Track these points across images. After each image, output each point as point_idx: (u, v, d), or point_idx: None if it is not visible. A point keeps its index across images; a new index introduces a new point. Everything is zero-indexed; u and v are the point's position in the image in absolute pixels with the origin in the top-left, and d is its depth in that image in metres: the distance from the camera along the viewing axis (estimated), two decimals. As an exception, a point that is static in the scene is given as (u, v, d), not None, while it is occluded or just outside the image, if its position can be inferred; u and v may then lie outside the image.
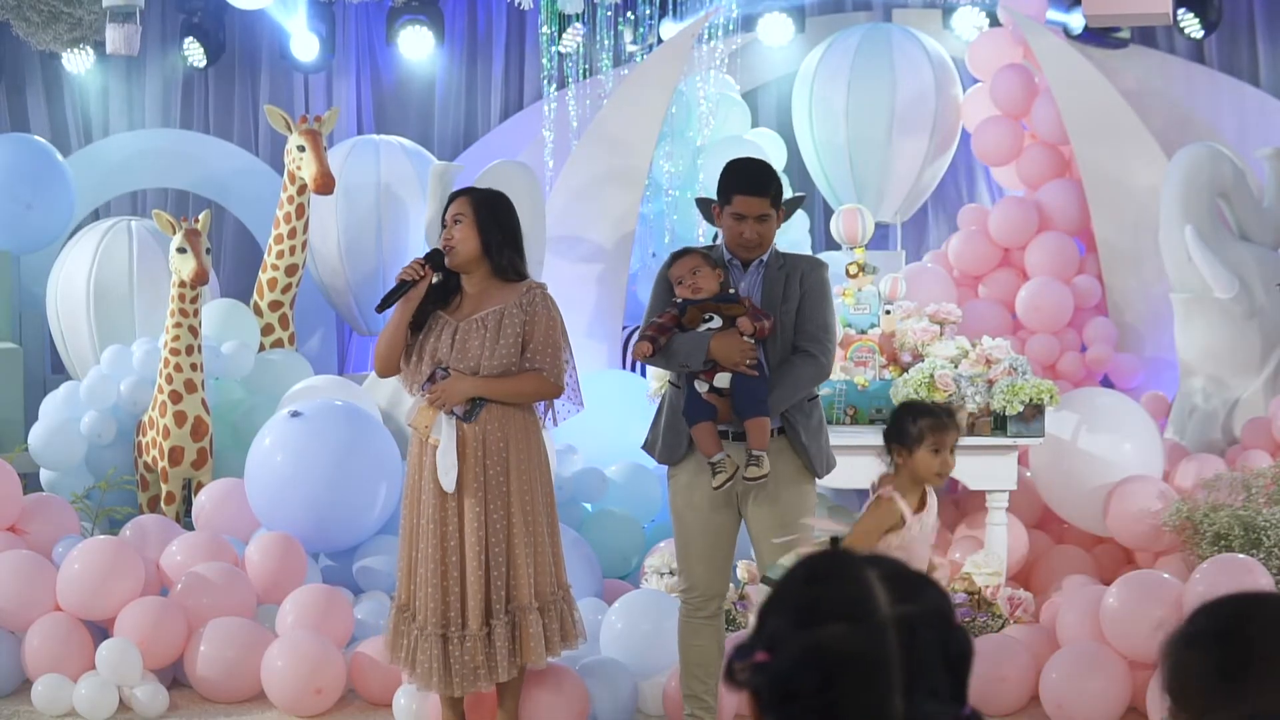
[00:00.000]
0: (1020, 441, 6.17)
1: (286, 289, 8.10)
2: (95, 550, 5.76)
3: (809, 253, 7.99)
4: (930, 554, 4.56)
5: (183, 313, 7.08)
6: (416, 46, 9.73)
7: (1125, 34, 9.09)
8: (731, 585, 5.57)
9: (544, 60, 9.13)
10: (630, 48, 9.28)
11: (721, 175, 4.69)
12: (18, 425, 7.91)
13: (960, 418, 6.10)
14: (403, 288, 4.72)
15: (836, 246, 7.78)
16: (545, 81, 9.11)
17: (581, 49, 9.21)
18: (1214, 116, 9.05)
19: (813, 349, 4.58)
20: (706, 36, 9.00)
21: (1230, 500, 6.06)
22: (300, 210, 8.02)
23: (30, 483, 7.16)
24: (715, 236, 7.65)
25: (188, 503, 7.20)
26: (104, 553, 5.75)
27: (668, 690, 5.31)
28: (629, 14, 9.23)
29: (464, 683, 4.69)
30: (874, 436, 5.49)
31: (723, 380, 4.55)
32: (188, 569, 5.86)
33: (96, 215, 9.53)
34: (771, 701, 1.59)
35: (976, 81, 9.13)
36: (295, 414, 6.30)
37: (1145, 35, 9.35)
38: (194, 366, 7.13)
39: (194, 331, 7.12)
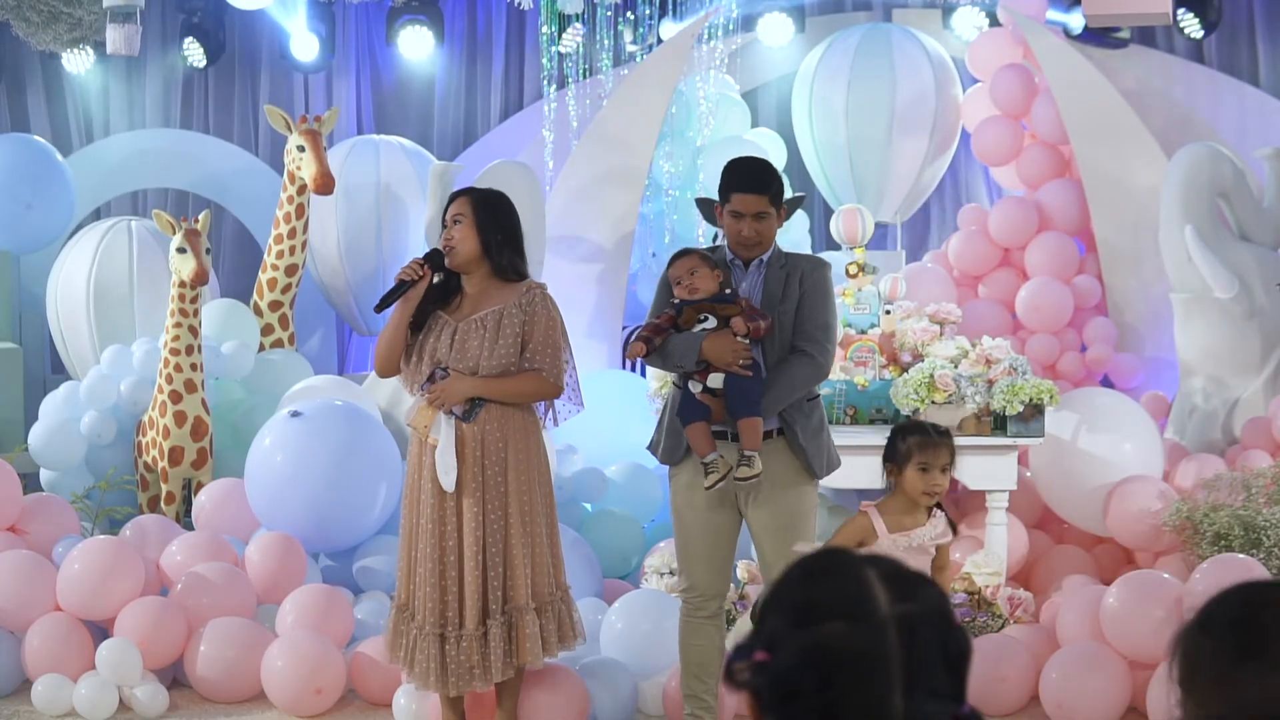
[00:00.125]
0: (1020, 441, 6.16)
1: (286, 289, 8.10)
2: (95, 550, 5.76)
3: (809, 253, 7.99)
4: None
5: (183, 313, 7.08)
6: (416, 46, 9.73)
7: (1125, 34, 9.09)
8: (731, 585, 5.57)
9: (544, 60, 9.13)
10: (630, 48, 9.28)
11: (721, 174, 4.70)
12: (18, 425, 7.92)
13: (947, 417, 6.11)
14: (401, 288, 4.72)
15: (836, 246, 7.78)
16: (545, 81, 9.11)
17: (581, 49, 9.21)
18: (1214, 116, 9.05)
19: (810, 349, 4.57)
20: (706, 36, 9.01)
21: (1230, 500, 6.06)
22: (300, 210, 8.02)
23: (30, 483, 7.16)
24: (715, 237, 7.67)
25: (188, 503, 7.20)
26: (104, 553, 5.75)
27: (668, 690, 5.31)
28: (629, 14, 9.23)
29: (459, 682, 4.70)
30: (874, 436, 5.52)
31: (716, 381, 4.55)
32: (188, 569, 5.86)
33: (98, 215, 9.54)
34: (771, 701, 1.59)
35: (976, 81, 9.13)
36: (295, 414, 6.30)
37: (1145, 35, 9.35)
38: (194, 366, 7.13)
39: (194, 331, 7.12)
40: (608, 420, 6.99)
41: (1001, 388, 6.08)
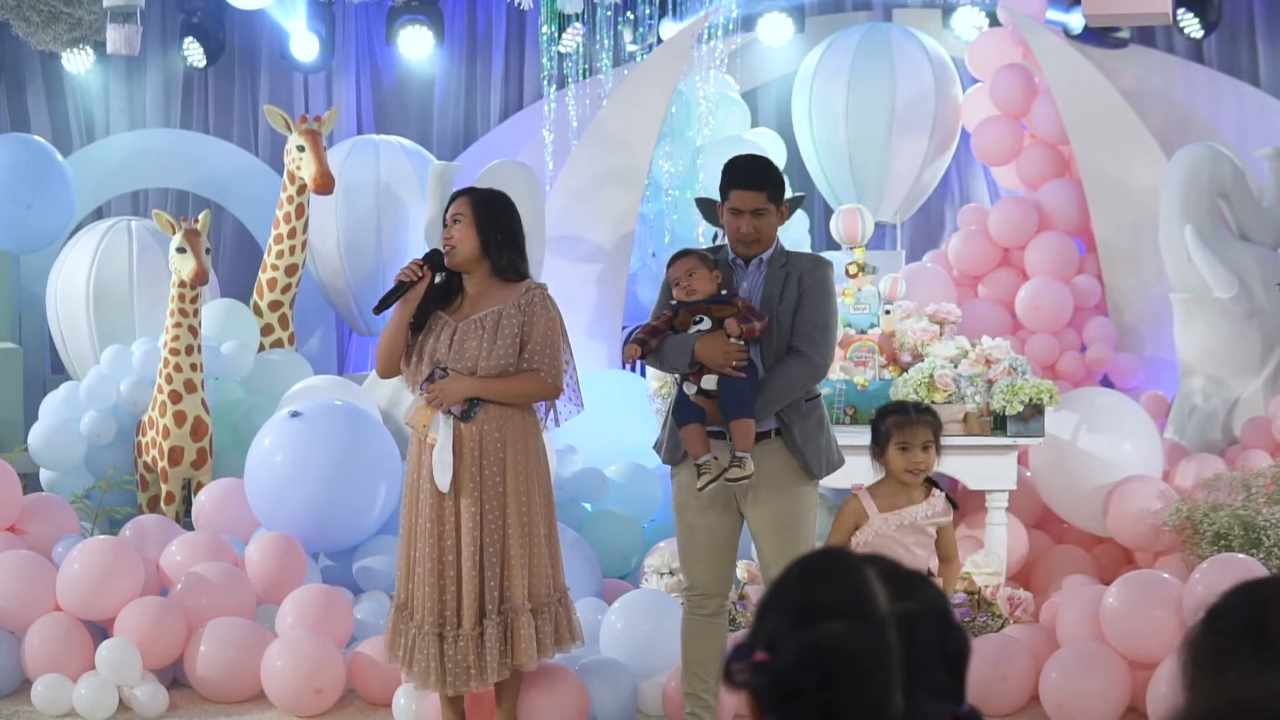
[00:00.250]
0: (1020, 441, 6.16)
1: (286, 289, 8.10)
2: (95, 550, 5.76)
3: (811, 252, 7.98)
4: (928, 557, 4.58)
5: (182, 313, 7.08)
6: (416, 46, 9.73)
7: (1125, 34, 9.09)
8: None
9: (544, 60, 9.13)
10: (630, 48, 9.28)
11: (721, 172, 4.70)
12: (18, 425, 7.92)
13: (947, 414, 6.11)
14: (400, 289, 4.72)
15: (836, 246, 7.78)
16: (545, 81, 9.11)
17: (581, 49, 9.21)
18: (1214, 116, 9.05)
19: (805, 349, 4.56)
20: (706, 36, 9.01)
21: (1230, 500, 6.06)
22: (300, 210, 8.02)
23: (30, 483, 7.16)
24: (715, 236, 7.68)
25: (187, 503, 7.20)
26: (104, 553, 5.75)
27: (668, 690, 5.31)
28: (629, 14, 9.23)
29: (456, 682, 4.69)
30: (873, 436, 5.50)
31: (710, 382, 4.55)
32: (188, 569, 5.86)
33: (99, 214, 9.54)
34: (771, 701, 1.59)
35: (976, 81, 9.13)
36: (295, 414, 6.30)
37: (1145, 35, 9.35)
38: (194, 366, 7.13)
39: (194, 331, 7.12)
40: (608, 420, 6.99)
41: (1001, 388, 6.08)
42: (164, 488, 7.20)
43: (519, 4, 9.28)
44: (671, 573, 6.14)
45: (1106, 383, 8.41)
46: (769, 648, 1.60)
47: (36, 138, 9.17)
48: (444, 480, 4.64)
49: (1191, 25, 9.01)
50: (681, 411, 4.62)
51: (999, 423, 6.12)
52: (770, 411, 4.56)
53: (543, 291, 4.77)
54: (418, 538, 4.73)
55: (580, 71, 9.19)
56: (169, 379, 7.09)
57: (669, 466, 4.78)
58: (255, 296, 8.13)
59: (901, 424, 4.52)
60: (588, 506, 7.00)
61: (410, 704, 5.15)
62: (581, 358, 5.23)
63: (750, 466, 4.50)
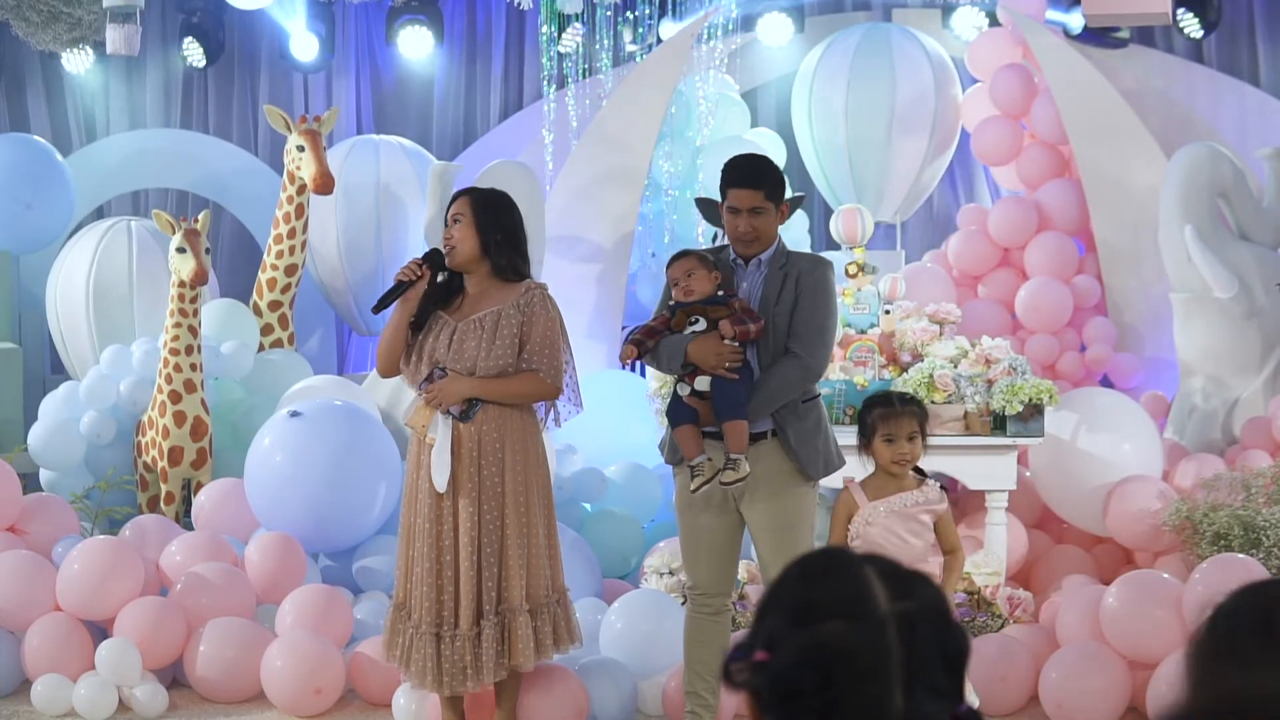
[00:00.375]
0: (1020, 441, 6.16)
1: (286, 289, 8.10)
2: (95, 550, 5.76)
3: (811, 251, 7.98)
4: (926, 554, 4.57)
5: (182, 313, 7.08)
6: (416, 46, 9.73)
7: (1125, 34, 9.09)
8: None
9: (544, 60, 9.13)
10: (630, 48, 9.29)
11: (720, 172, 4.69)
12: (17, 425, 7.91)
13: (947, 414, 6.11)
14: (399, 288, 4.72)
15: (836, 246, 7.78)
16: (545, 81, 9.11)
17: (581, 49, 9.21)
18: (1214, 116, 9.05)
19: (799, 350, 4.54)
20: (706, 36, 9.01)
21: (1230, 500, 6.06)
22: (300, 210, 8.02)
23: (30, 483, 7.16)
24: (715, 237, 7.68)
25: (187, 503, 7.20)
26: (104, 553, 5.75)
27: (667, 690, 5.31)
28: (628, 14, 9.23)
29: (453, 682, 4.69)
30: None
31: (703, 383, 4.55)
32: (187, 569, 5.86)
33: (100, 214, 9.54)
34: (771, 700, 1.59)
35: (976, 81, 9.14)
36: (295, 414, 6.30)
37: (1145, 35, 9.35)
38: (193, 366, 7.13)
39: (194, 331, 7.12)
40: (608, 420, 6.99)
41: (1001, 388, 6.08)
42: (164, 488, 7.20)
43: (519, 4, 9.28)
44: (671, 573, 6.14)
45: (1106, 383, 8.41)
46: (769, 647, 1.60)
47: (36, 138, 9.17)
48: (442, 480, 4.64)
49: (1191, 25, 9.01)
50: (675, 413, 4.63)
51: (999, 423, 6.12)
52: (764, 413, 4.55)
53: (542, 292, 4.77)
54: (416, 537, 4.73)
55: (580, 71, 9.19)
56: (169, 379, 7.09)
57: (670, 466, 4.78)
58: (255, 296, 8.13)
59: (887, 415, 4.54)
60: (588, 506, 7.00)
61: (410, 704, 5.15)
62: (581, 358, 5.23)
63: (745, 468, 4.49)
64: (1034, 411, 6.09)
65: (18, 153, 8.73)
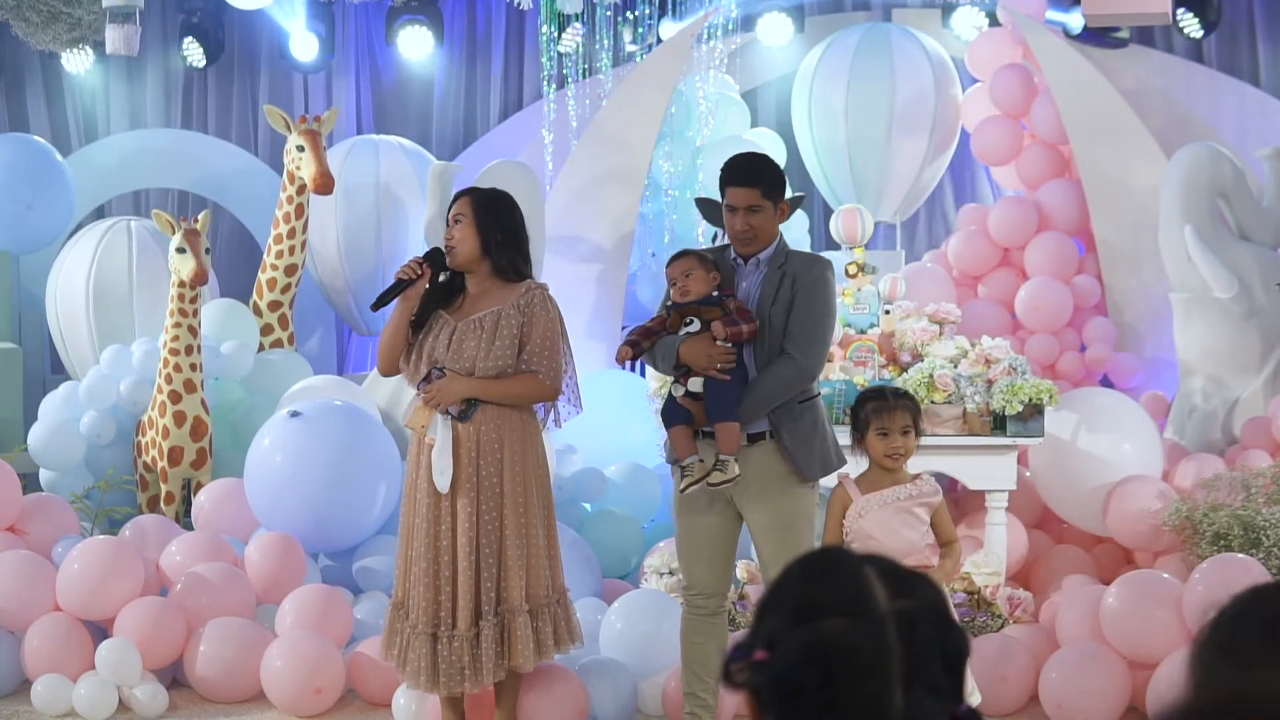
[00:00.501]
0: (1020, 441, 6.16)
1: (286, 289, 8.10)
2: (95, 550, 5.76)
3: (811, 251, 7.98)
4: (925, 550, 4.57)
5: (182, 313, 7.08)
6: (416, 46, 9.73)
7: (1125, 34, 9.09)
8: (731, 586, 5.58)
9: (544, 60, 9.13)
10: (630, 48, 9.29)
11: (719, 171, 4.69)
12: (17, 425, 7.91)
13: (947, 414, 6.11)
14: (399, 287, 4.72)
15: (836, 246, 7.78)
16: (545, 81, 9.11)
17: (581, 49, 9.21)
18: (1214, 116, 9.05)
19: (794, 351, 4.52)
20: (706, 36, 9.01)
21: (1230, 500, 6.06)
22: (300, 210, 8.02)
23: (30, 483, 7.16)
24: (715, 237, 7.68)
25: (187, 503, 7.20)
26: (104, 553, 5.75)
27: (667, 690, 5.31)
28: (628, 14, 9.23)
29: (450, 683, 4.69)
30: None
31: (696, 384, 4.55)
32: (187, 569, 5.86)
33: (100, 214, 9.54)
34: (771, 700, 1.59)
35: (976, 81, 9.13)
36: (295, 414, 6.30)
37: (1145, 35, 9.35)
38: (193, 366, 7.13)
39: (193, 331, 7.12)
40: (607, 420, 6.99)
41: (1001, 388, 6.08)
42: (164, 488, 7.20)
43: (519, 4, 9.28)
44: (671, 573, 6.14)
45: (1106, 383, 8.41)
46: (769, 646, 1.60)
47: (36, 138, 9.17)
48: (444, 481, 4.64)
49: (1191, 25, 9.01)
50: (669, 413, 4.63)
51: (999, 423, 6.12)
52: (757, 415, 4.54)
53: (543, 292, 4.77)
54: (415, 537, 4.73)
55: (580, 71, 9.19)
56: (169, 379, 7.09)
57: (670, 466, 4.78)
58: (255, 296, 8.13)
59: (880, 409, 4.54)
60: (588, 506, 7.00)
61: (410, 704, 5.15)
62: (581, 358, 5.23)
63: (733, 470, 4.48)
64: (1034, 411, 6.09)
65: (18, 153, 8.72)
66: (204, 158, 9.69)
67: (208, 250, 7.20)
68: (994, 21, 9.16)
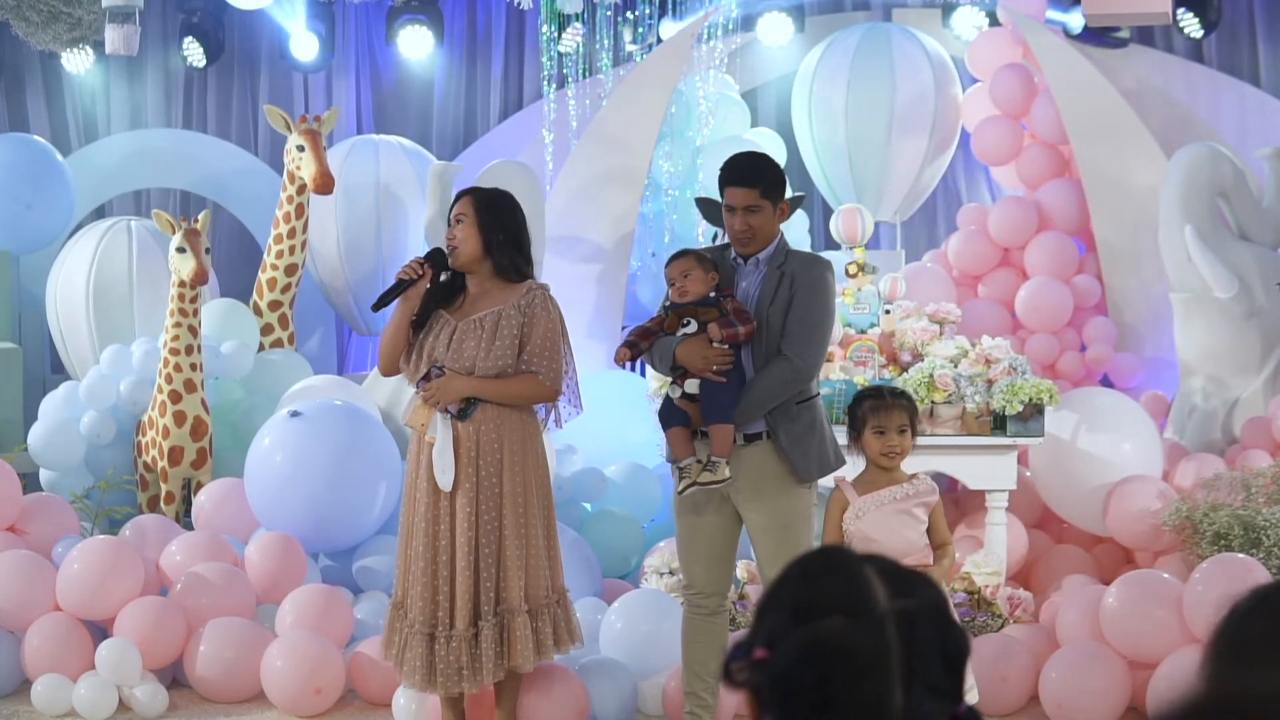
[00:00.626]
0: (1020, 441, 6.16)
1: (286, 289, 8.10)
2: (95, 550, 5.76)
3: (810, 251, 7.97)
4: (922, 548, 4.57)
5: (182, 312, 7.08)
6: (416, 46, 9.73)
7: (1125, 34, 9.09)
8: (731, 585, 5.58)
9: (544, 60, 9.13)
10: (630, 47, 9.28)
11: (718, 171, 4.69)
12: (17, 425, 7.91)
13: (947, 414, 6.11)
14: (400, 287, 4.72)
15: (836, 246, 7.78)
16: (545, 81, 9.11)
17: (581, 49, 9.21)
18: (1214, 116, 9.05)
19: (790, 352, 4.51)
20: (706, 36, 9.00)
21: (1230, 500, 6.06)
22: (300, 210, 8.02)
23: (30, 483, 7.16)
24: (715, 237, 7.68)
25: (187, 503, 7.20)
26: (104, 553, 5.75)
27: (667, 690, 5.31)
28: (629, 14, 9.23)
29: (447, 683, 4.69)
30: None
31: (692, 386, 4.55)
32: (187, 569, 5.86)
33: (101, 214, 9.54)
34: (771, 699, 1.59)
35: (976, 81, 9.13)
36: (295, 414, 6.29)
37: (1145, 35, 9.35)
38: (193, 366, 7.13)
39: (193, 331, 7.12)
40: (607, 420, 6.99)
41: (1001, 387, 6.08)
42: (164, 488, 7.20)
43: (519, 4, 9.28)
44: (671, 572, 6.14)
45: (1106, 383, 8.41)
46: (768, 645, 1.60)
47: (36, 138, 9.17)
48: (445, 480, 4.64)
49: (1191, 25, 9.01)
50: (666, 414, 4.63)
51: (999, 422, 6.12)
52: (754, 416, 4.54)
53: (544, 292, 4.77)
54: (414, 536, 4.73)
55: (580, 71, 9.19)
56: (169, 379, 7.09)
57: (670, 466, 4.77)
58: (255, 296, 8.13)
59: (877, 408, 4.54)
60: (588, 506, 7.00)
61: (410, 704, 5.15)
62: (581, 358, 5.23)
63: (724, 472, 4.48)
64: (1034, 411, 6.09)
65: (18, 153, 8.72)
66: (204, 158, 9.69)
67: (208, 250, 7.20)
68: (994, 21, 9.16)
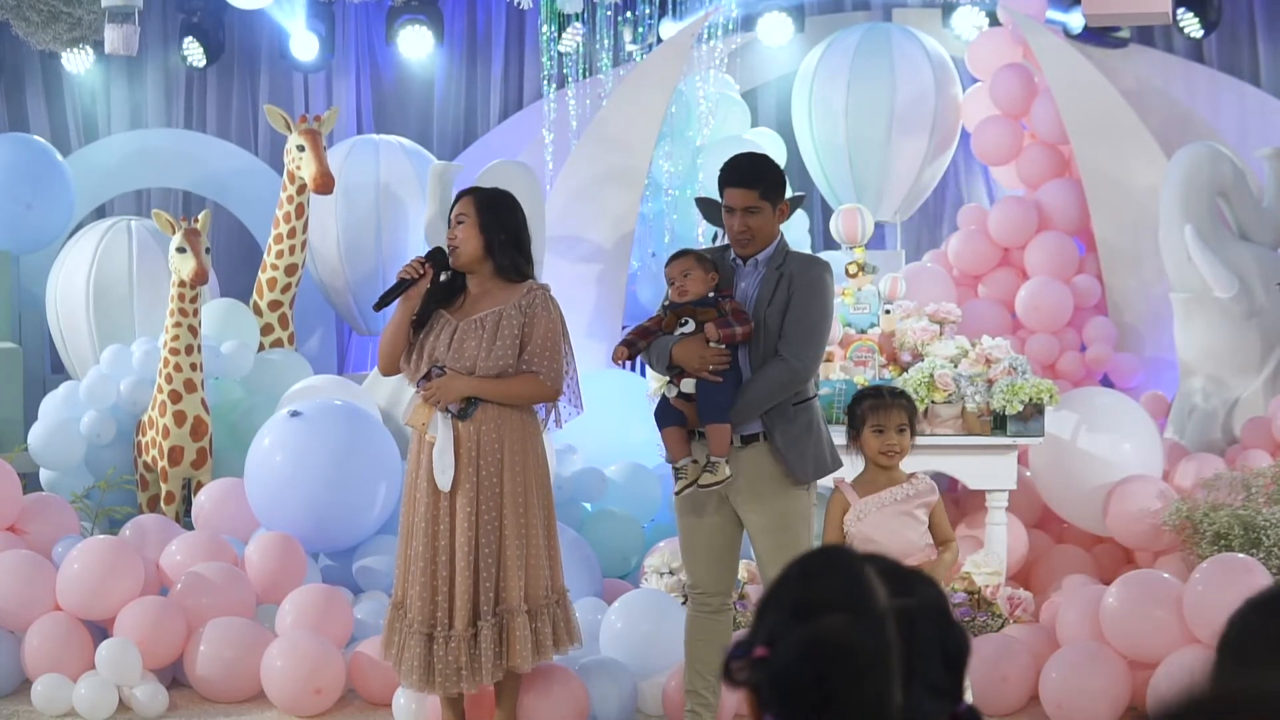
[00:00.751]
0: (1020, 441, 6.16)
1: (286, 289, 8.10)
2: (95, 550, 5.75)
3: (810, 252, 7.97)
4: (922, 548, 4.57)
5: (182, 312, 7.08)
6: (416, 46, 9.73)
7: (1125, 34, 9.09)
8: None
9: (544, 60, 9.13)
10: (630, 47, 9.28)
11: (718, 172, 4.69)
12: (18, 425, 7.91)
13: (947, 414, 6.11)
14: (401, 286, 4.72)
15: (836, 246, 7.78)
16: (545, 81, 9.11)
17: (581, 49, 9.21)
18: (1214, 116, 9.05)
19: (786, 353, 4.51)
20: (706, 36, 9.01)
21: (1230, 500, 6.06)
22: (300, 210, 8.02)
23: (30, 483, 7.16)
24: (715, 237, 7.68)
25: (187, 502, 7.20)
26: (104, 553, 5.75)
27: (667, 690, 5.31)
28: (629, 14, 9.23)
29: (446, 683, 4.69)
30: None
31: (688, 386, 4.55)
32: (187, 569, 5.86)
33: (101, 213, 9.54)
34: (771, 697, 1.59)
35: (976, 81, 9.13)
36: (295, 414, 6.29)
37: (1145, 35, 9.35)
38: (194, 366, 7.13)
39: (194, 331, 7.12)
40: (608, 420, 6.99)
41: (1001, 387, 6.08)
42: (164, 487, 7.20)
43: (519, 4, 9.28)
44: (671, 572, 6.14)
45: (1106, 383, 8.41)
46: (769, 644, 1.60)
47: (36, 138, 9.17)
48: (445, 480, 4.64)
49: (1191, 25, 9.01)
50: (662, 414, 4.63)
51: (999, 422, 6.12)
52: (750, 417, 4.53)
53: (544, 293, 4.77)
54: (414, 536, 4.73)
55: (580, 71, 9.19)
56: (169, 379, 7.09)
57: (670, 466, 4.77)
58: (255, 296, 8.13)
59: (876, 407, 4.55)
60: (588, 506, 7.00)
61: (410, 704, 5.15)
62: (581, 358, 5.23)
63: (724, 472, 4.48)
64: (1034, 411, 6.09)
65: (18, 153, 8.72)
66: (204, 158, 9.69)
67: (208, 250, 7.20)
68: (994, 21, 9.16)
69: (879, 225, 9.12)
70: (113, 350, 7.55)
